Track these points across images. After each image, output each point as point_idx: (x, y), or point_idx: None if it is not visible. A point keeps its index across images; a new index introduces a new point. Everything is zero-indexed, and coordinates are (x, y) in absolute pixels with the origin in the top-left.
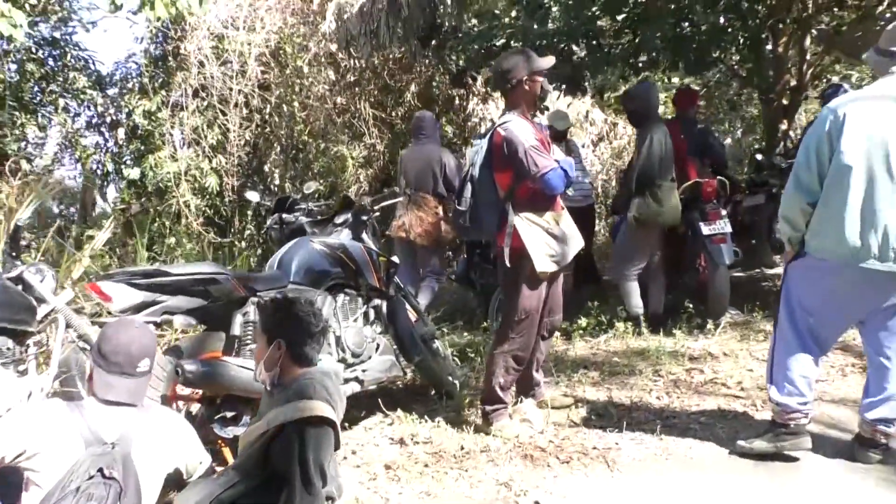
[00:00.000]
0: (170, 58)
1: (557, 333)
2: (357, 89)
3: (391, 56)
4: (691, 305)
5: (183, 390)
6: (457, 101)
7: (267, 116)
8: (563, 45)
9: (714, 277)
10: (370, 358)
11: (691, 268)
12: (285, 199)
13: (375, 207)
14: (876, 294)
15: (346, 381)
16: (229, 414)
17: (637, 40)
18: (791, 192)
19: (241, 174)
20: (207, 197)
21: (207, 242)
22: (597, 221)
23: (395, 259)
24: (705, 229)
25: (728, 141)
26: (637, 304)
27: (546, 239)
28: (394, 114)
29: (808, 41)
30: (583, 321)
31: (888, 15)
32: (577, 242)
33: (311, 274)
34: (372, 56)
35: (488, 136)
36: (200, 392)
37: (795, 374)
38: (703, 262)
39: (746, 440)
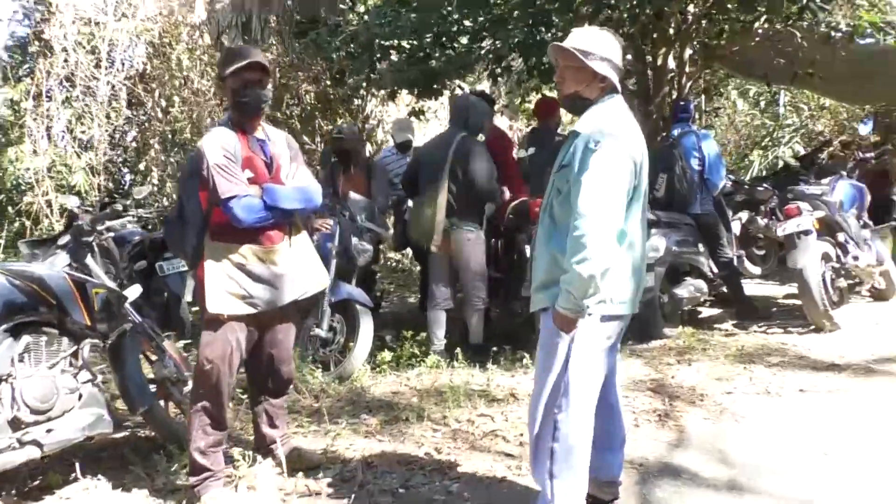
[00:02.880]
0: (34, 42)
1: (366, 367)
2: None
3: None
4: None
5: None
6: (356, 102)
7: (149, 111)
8: (413, 46)
9: None
10: (63, 414)
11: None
12: (106, 204)
13: (100, 228)
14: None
15: (13, 447)
16: None
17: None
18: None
19: (118, 172)
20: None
21: None
22: None
23: (131, 291)
24: (529, 252)
25: None
26: (436, 337)
27: (235, 275)
28: (288, 113)
29: (687, 53)
30: (386, 354)
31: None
32: (301, 283)
33: None
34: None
35: None
36: None
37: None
38: None
39: None
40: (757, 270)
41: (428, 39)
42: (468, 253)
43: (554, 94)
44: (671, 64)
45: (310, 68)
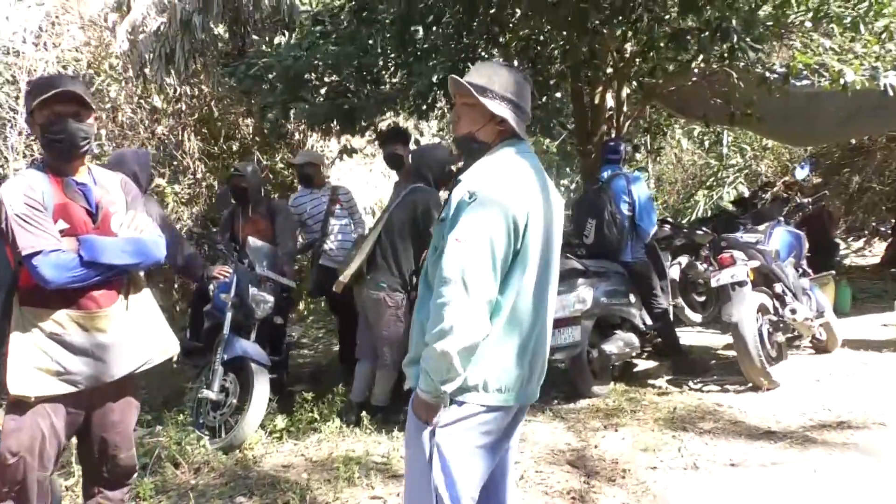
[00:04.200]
0: None
1: (262, 435)
2: (180, 119)
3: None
4: None
5: None
6: (296, 136)
7: None
8: (332, 81)
9: None
10: None
11: None
12: None
13: None
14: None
15: None
16: None
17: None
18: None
19: None
20: None
21: None
22: None
23: None
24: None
25: None
26: (356, 391)
27: (47, 346)
28: (225, 147)
29: (625, 92)
30: (280, 421)
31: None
32: (141, 352)
33: None
34: (166, 81)
35: None
36: None
37: None
38: None
39: None
40: (697, 318)
41: (348, 73)
42: (375, 312)
43: None
44: (610, 102)
45: (241, 101)
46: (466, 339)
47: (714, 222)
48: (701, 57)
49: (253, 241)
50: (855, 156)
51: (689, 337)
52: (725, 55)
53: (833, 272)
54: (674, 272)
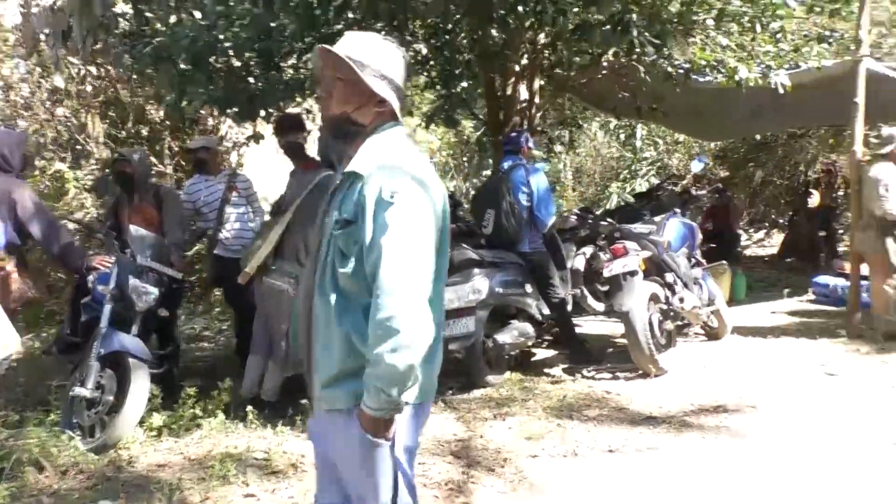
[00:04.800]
0: None
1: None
2: (84, 100)
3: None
4: None
5: None
6: (210, 123)
7: None
8: (227, 63)
9: None
10: None
11: None
12: None
13: None
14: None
15: None
16: None
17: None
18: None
19: None
20: None
21: None
22: None
23: None
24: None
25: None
26: (246, 385)
27: None
28: (134, 131)
29: (537, 83)
30: (157, 419)
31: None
32: None
33: None
34: (69, 60)
35: None
36: None
37: None
38: None
39: None
40: (600, 307)
41: (249, 56)
42: (276, 304)
43: None
44: (524, 94)
45: (147, 83)
46: (425, 346)
47: (619, 214)
48: (611, 51)
49: (136, 229)
50: (758, 151)
51: (591, 326)
52: (627, 49)
53: (724, 262)
54: (579, 262)
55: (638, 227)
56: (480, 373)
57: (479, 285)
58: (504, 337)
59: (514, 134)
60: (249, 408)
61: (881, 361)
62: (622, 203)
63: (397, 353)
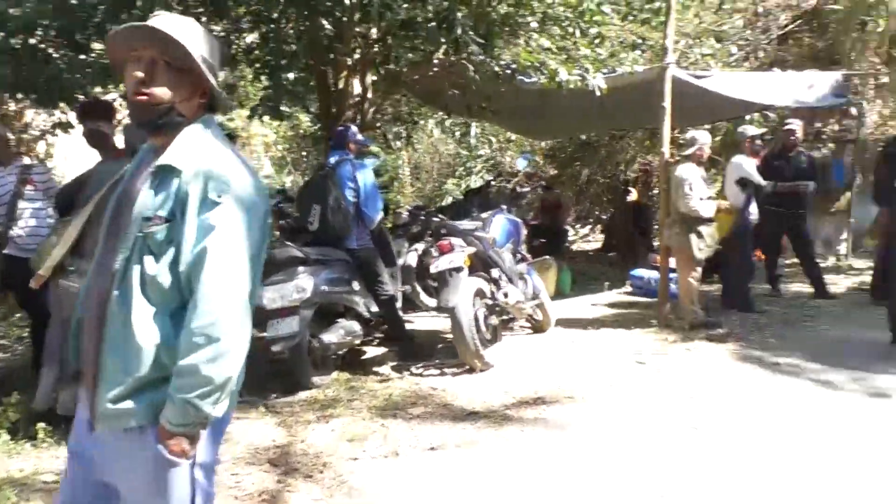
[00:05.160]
0: None
1: None
2: None
3: None
4: None
5: None
6: (11, 108)
7: None
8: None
9: None
10: None
11: None
12: None
13: None
14: None
15: None
16: None
17: None
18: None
19: None
20: None
21: None
22: None
23: None
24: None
25: None
26: (39, 399)
27: None
28: None
29: (369, 77)
30: None
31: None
32: None
33: None
34: None
35: None
36: None
37: None
38: None
39: None
40: (432, 303)
41: (45, 35)
42: (73, 308)
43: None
44: (357, 88)
45: None
46: (243, 356)
47: (451, 210)
48: (442, 49)
49: None
50: (584, 151)
51: (423, 322)
52: (454, 47)
53: (550, 257)
54: (411, 258)
55: (464, 224)
56: (306, 374)
57: (304, 283)
58: (330, 336)
59: (340, 129)
60: (41, 425)
61: (685, 349)
62: (453, 200)
63: (215, 364)
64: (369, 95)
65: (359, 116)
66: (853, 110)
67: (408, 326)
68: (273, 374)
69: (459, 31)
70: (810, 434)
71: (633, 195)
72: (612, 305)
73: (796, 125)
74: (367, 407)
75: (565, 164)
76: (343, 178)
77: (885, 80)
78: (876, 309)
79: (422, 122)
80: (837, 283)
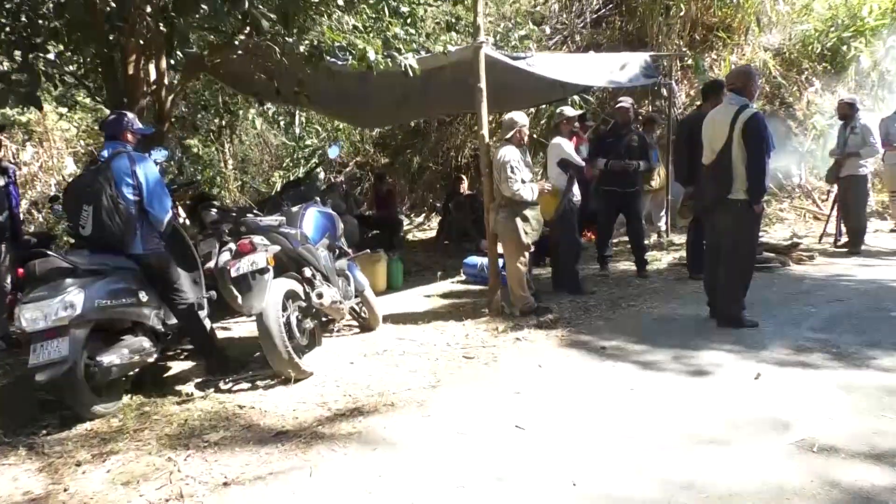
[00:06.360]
0: None
1: None
2: None
3: None
4: None
5: None
6: None
7: None
8: None
9: None
10: None
11: None
12: None
13: None
14: None
15: None
16: None
17: None
18: None
19: None
20: None
21: None
22: None
23: None
24: None
25: None
26: None
27: None
28: None
29: (164, 61)
30: None
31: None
32: None
33: None
34: None
35: None
36: None
37: None
38: None
39: None
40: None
41: None
42: None
43: None
44: (152, 74)
45: None
46: None
47: (267, 205)
48: (237, 28)
49: None
50: (414, 138)
51: (242, 328)
52: (246, 24)
53: (380, 250)
54: (224, 259)
55: (266, 220)
56: (84, 403)
57: (73, 299)
58: (110, 357)
59: (112, 117)
60: None
61: (515, 339)
62: (268, 195)
63: None
64: (165, 81)
65: (156, 105)
66: (664, 91)
67: (226, 334)
68: (45, 405)
69: (247, 4)
70: (631, 424)
71: (464, 182)
72: (444, 296)
73: (628, 103)
74: (157, 437)
75: (397, 151)
76: (120, 174)
77: (690, 61)
78: (695, 283)
79: (240, 111)
80: (660, 260)
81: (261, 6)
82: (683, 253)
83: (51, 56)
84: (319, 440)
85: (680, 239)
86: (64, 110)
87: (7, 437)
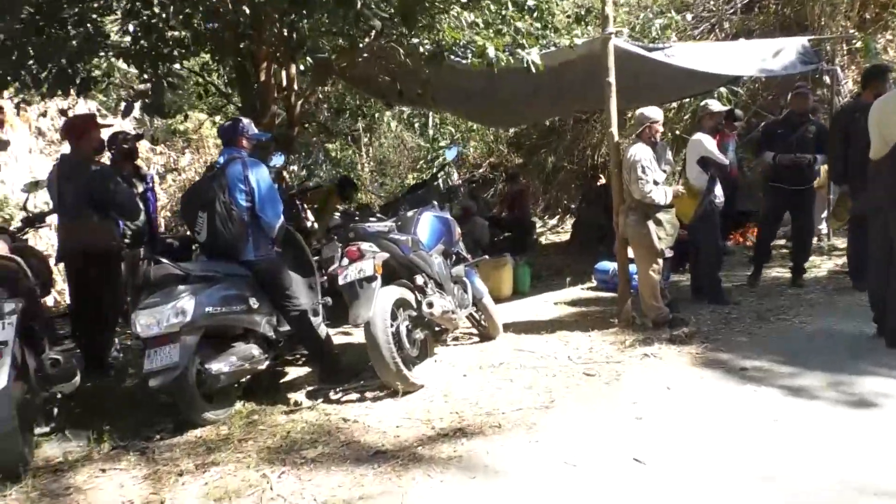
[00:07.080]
0: None
1: None
2: None
3: None
4: None
5: None
6: None
7: None
8: None
9: None
10: None
11: None
12: None
13: None
14: None
15: None
16: None
17: None
18: None
19: None
20: None
21: None
22: None
23: None
24: None
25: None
26: None
27: None
28: None
29: (293, 67)
30: None
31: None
32: None
33: None
34: None
35: None
36: None
37: None
38: None
39: None
40: None
41: None
42: None
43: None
44: (284, 80)
45: None
46: None
47: (389, 210)
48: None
49: None
50: (549, 137)
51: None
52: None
53: (507, 254)
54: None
55: (375, 226)
56: (195, 410)
57: (184, 305)
58: (219, 365)
59: (228, 123)
60: None
61: (642, 354)
62: (392, 197)
63: None
64: (295, 87)
65: (286, 111)
66: (826, 78)
67: (346, 340)
68: (159, 409)
69: (359, 4)
70: (774, 463)
71: (601, 181)
72: (572, 303)
73: (807, 89)
74: (258, 449)
75: (531, 151)
76: (233, 180)
77: (859, 44)
78: (860, 294)
79: (377, 115)
80: (819, 266)
81: (374, 6)
82: (845, 259)
83: (176, 66)
84: (417, 463)
85: (843, 243)
86: (218, 118)
87: (124, 440)
